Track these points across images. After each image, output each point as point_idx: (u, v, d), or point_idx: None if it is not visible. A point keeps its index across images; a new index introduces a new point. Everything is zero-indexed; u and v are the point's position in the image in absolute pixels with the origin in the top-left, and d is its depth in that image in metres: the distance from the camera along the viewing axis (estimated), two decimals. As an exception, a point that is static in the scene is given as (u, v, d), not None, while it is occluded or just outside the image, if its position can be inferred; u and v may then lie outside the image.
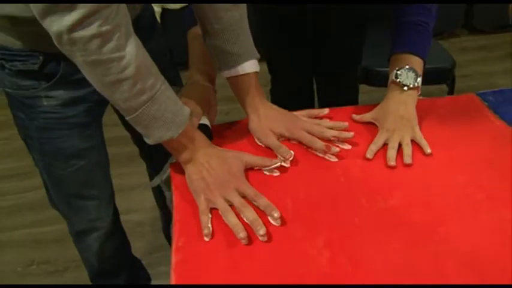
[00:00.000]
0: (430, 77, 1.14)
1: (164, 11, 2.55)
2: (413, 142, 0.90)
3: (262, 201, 0.78)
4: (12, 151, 2.32)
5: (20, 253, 1.79)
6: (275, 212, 0.76)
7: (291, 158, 0.89)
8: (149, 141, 0.82)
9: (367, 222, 0.75)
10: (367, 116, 0.97)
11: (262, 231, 0.73)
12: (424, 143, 0.88)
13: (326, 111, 0.99)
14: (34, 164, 1.08)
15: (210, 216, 0.78)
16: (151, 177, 1.44)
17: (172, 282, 0.69)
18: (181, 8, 2.56)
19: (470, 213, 0.76)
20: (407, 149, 0.87)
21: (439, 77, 1.75)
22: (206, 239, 0.75)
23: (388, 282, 0.65)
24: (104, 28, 0.69)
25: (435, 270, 0.67)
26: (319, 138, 0.92)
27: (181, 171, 0.88)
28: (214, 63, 0.97)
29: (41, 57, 0.88)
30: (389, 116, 0.93)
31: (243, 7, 0.94)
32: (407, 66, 0.94)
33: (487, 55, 2.59)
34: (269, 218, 0.77)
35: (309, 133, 0.93)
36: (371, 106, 1.00)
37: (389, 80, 0.97)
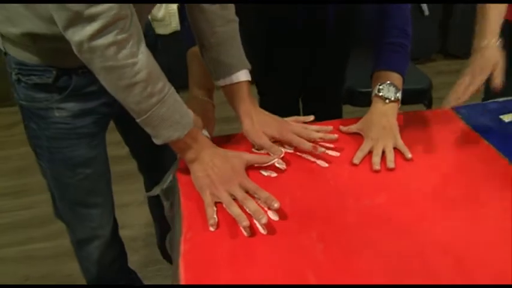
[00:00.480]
0: (409, 97, 1.24)
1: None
2: (396, 149, 0.99)
3: (263, 194, 0.86)
4: (7, 170, 2.36)
5: (15, 269, 1.81)
6: (275, 202, 0.84)
7: (282, 155, 0.98)
8: (158, 141, 0.90)
9: (356, 218, 0.84)
10: (353, 127, 1.07)
11: (264, 220, 0.81)
12: (405, 149, 0.98)
13: (311, 118, 1.09)
14: (41, 174, 1.14)
15: (215, 209, 0.86)
16: (147, 191, 1.50)
17: (181, 269, 0.76)
18: (171, 33, 2.67)
19: (447, 209, 0.85)
20: (390, 155, 0.97)
21: (417, 97, 1.87)
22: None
23: (377, 269, 0.74)
24: (119, 37, 0.77)
25: (419, 257, 0.75)
26: (307, 140, 1.01)
27: (186, 172, 0.95)
28: (211, 74, 1.06)
29: (54, 72, 0.96)
30: (373, 127, 1.03)
31: (235, 23, 1.04)
32: (388, 82, 1.05)
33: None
34: (269, 212, 0.85)
35: (298, 136, 1.02)
36: (356, 119, 1.10)
37: (373, 94, 1.07)
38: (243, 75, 1.03)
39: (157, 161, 1.29)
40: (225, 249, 0.79)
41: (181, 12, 2.72)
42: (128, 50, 0.79)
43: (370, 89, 1.11)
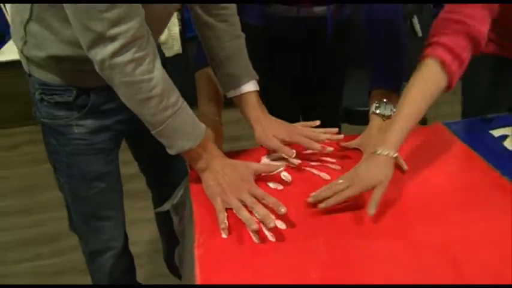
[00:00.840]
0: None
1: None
2: None
3: (271, 200, 0.92)
4: (12, 189, 2.42)
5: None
6: (282, 207, 0.90)
7: (293, 156, 1.05)
8: (172, 151, 0.96)
9: (357, 224, 0.91)
10: (353, 143, 1.14)
11: (272, 223, 0.87)
12: (401, 162, 1.05)
13: (317, 122, 1.15)
14: (58, 187, 1.21)
15: (226, 214, 0.92)
16: (156, 206, 1.56)
17: (197, 271, 0.82)
18: (174, 56, 2.75)
19: (441, 215, 0.92)
20: None
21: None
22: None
23: (376, 268, 0.80)
24: (137, 55, 0.85)
25: (414, 255, 0.83)
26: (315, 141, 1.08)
27: (198, 183, 1.02)
28: (222, 87, 1.14)
29: (74, 91, 1.04)
30: (372, 142, 1.10)
31: (241, 38, 1.13)
32: (384, 100, 1.12)
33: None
34: (276, 221, 0.91)
35: (307, 138, 1.08)
36: (355, 136, 1.17)
37: (370, 112, 1.15)
38: (251, 86, 1.11)
39: (167, 177, 1.36)
40: (236, 254, 0.85)
41: (183, 35, 2.82)
42: (144, 67, 0.86)
43: (366, 108, 1.19)
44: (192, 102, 1.20)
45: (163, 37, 2.67)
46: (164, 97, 0.89)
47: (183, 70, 2.71)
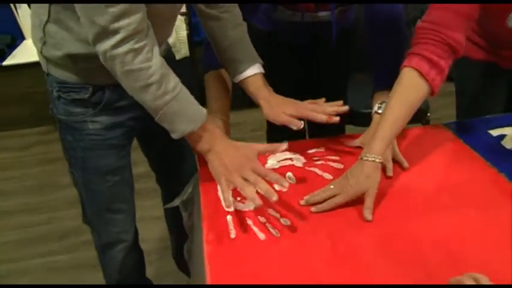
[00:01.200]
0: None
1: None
2: (394, 159, 1.11)
3: (273, 176, 0.96)
4: (24, 188, 2.48)
5: (34, 280, 1.91)
6: (284, 182, 0.94)
7: (301, 126, 1.08)
8: (175, 135, 1.00)
9: (359, 218, 0.95)
10: (356, 142, 1.18)
11: (275, 197, 0.90)
12: (402, 159, 1.09)
13: (323, 100, 1.17)
14: (73, 182, 1.26)
15: (230, 192, 0.95)
16: (165, 203, 1.60)
17: (206, 266, 0.86)
18: (181, 59, 2.80)
19: (438, 211, 0.96)
20: (389, 165, 1.08)
21: (415, 117, 1.97)
22: (229, 209, 0.96)
23: (378, 261, 0.84)
24: (136, 45, 0.90)
25: (413, 248, 0.87)
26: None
27: (207, 182, 1.07)
28: (229, 74, 1.19)
29: (90, 89, 1.09)
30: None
31: (243, 26, 1.19)
32: (386, 101, 1.16)
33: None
34: (281, 219, 0.96)
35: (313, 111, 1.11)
36: (358, 135, 1.21)
37: (373, 112, 1.19)
38: (256, 69, 1.16)
39: (176, 174, 1.41)
40: (243, 249, 0.90)
41: (190, 39, 2.87)
42: (143, 56, 0.91)
43: (369, 110, 1.23)
44: (201, 103, 1.25)
45: (171, 40, 2.72)
46: (162, 83, 0.94)
47: (190, 73, 2.78)
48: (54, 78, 1.10)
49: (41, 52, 1.08)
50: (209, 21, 1.17)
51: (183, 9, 2.83)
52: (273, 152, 1.07)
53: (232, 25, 1.16)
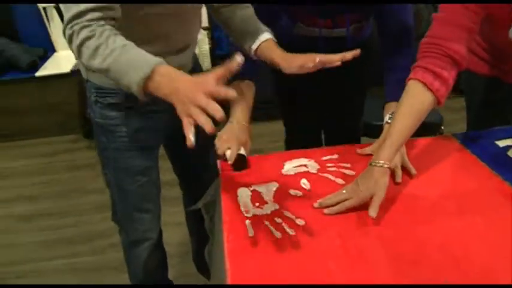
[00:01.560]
0: (421, 130, 1.41)
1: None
2: (403, 167, 1.17)
3: (222, 91, 0.86)
4: (51, 193, 2.60)
5: (61, 280, 2.01)
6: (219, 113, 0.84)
7: (317, 60, 1.10)
8: (133, 88, 0.91)
9: (367, 220, 1.02)
10: (367, 149, 1.26)
11: (219, 115, 0.82)
12: (410, 166, 1.16)
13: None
14: (105, 182, 1.35)
15: (192, 128, 0.86)
16: (186, 207, 1.69)
17: (227, 263, 0.94)
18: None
19: (444, 216, 1.02)
20: (398, 171, 1.15)
21: (429, 130, 2.04)
22: (247, 215, 1.04)
23: (384, 260, 0.91)
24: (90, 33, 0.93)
25: (419, 250, 0.93)
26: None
27: (229, 183, 1.14)
28: (246, 49, 1.23)
29: (124, 94, 1.17)
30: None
31: (250, 7, 1.28)
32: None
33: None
34: (297, 220, 1.04)
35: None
36: (370, 143, 1.28)
37: (384, 122, 1.26)
38: (268, 35, 1.22)
39: (198, 178, 1.49)
40: (261, 247, 0.97)
41: (213, 53, 2.97)
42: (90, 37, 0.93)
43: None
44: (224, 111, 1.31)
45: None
46: (109, 43, 0.93)
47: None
48: (92, 84, 1.20)
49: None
50: (220, 11, 1.27)
51: (205, 23, 2.95)
52: (228, 70, 0.90)
53: (239, 8, 1.26)
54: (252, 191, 1.15)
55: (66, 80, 3.01)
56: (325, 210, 1.06)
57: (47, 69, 3.13)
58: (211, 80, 0.87)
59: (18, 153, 3.04)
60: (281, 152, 1.27)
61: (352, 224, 1.02)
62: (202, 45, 2.87)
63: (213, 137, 1.20)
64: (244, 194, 1.15)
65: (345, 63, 1.58)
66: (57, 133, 3.13)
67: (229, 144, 1.22)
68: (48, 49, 3.29)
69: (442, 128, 2.07)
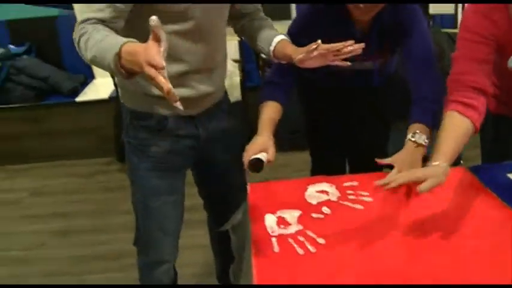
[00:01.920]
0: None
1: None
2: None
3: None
4: (86, 211, 2.75)
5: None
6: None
7: (319, 41, 1.18)
8: (112, 68, 1.00)
9: (384, 241, 1.12)
10: (387, 160, 1.36)
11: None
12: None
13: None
14: (132, 201, 1.44)
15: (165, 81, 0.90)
16: (211, 228, 1.76)
17: (254, 276, 1.04)
18: (234, 103, 3.02)
19: (455, 242, 1.11)
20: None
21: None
22: (273, 234, 1.17)
23: (398, 279, 1.00)
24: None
25: (431, 271, 1.02)
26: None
27: (257, 207, 1.25)
28: (263, 52, 1.39)
29: (155, 117, 1.31)
30: (404, 160, 1.32)
31: (267, 19, 1.43)
32: (418, 131, 1.34)
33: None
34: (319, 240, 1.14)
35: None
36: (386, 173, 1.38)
37: (407, 139, 1.36)
38: (281, 36, 1.36)
39: (224, 201, 1.58)
40: (284, 260, 1.08)
41: (243, 85, 3.10)
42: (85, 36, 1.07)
43: None
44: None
45: (226, 83, 2.96)
46: (94, 36, 1.06)
47: (241, 116, 3.01)
48: (127, 107, 1.33)
49: (117, 84, 1.32)
50: (241, 24, 1.42)
51: (237, 56, 3.11)
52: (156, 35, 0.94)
53: (257, 19, 1.42)
54: (277, 217, 1.25)
55: (103, 106, 3.20)
56: (385, 187, 1.15)
57: (87, 94, 3.35)
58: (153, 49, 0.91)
59: (57, 173, 3.22)
60: (305, 178, 1.37)
61: (370, 245, 1.11)
62: (234, 76, 3.00)
63: (237, 162, 1.30)
64: (270, 218, 1.25)
65: (371, 97, 1.69)
66: (94, 155, 3.30)
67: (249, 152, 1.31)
68: (88, 76, 3.51)
69: (462, 162, 2.14)
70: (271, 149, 1.31)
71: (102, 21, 1.10)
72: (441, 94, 1.39)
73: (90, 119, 3.29)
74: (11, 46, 3.46)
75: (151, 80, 0.91)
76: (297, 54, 1.25)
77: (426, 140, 1.35)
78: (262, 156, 1.30)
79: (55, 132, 3.32)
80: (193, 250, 2.25)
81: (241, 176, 1.49)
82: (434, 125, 1.38)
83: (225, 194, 1.58)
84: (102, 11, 1.09)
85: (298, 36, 1.40)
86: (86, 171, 3.18)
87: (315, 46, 1.19)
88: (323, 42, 1.20)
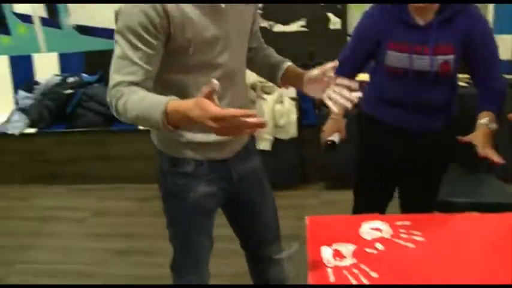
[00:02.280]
0: (493, 209, 1.56)
1: (275, 140, 3.12)
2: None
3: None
4: (145, 233, 2.89)
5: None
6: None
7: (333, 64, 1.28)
8: (160, 125, 1.08)
9: (433, 272, 1.19)
10: (469, 136, 1.61)
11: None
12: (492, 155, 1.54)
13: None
14: (169, 237, 1.54)
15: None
16: (250, 264, 1.74)
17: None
18: (290, 139, 3.13)
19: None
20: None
21: (504, 210, 2.09)
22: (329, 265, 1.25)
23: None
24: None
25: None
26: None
27: (314, 239, 1.35)
28: (272, 79, 1.48)
29: (193, 163, 1.37)
30: (479, 138, 1.58)
31: (270, 48, 1.54)
32: (488, 118, 1.61)
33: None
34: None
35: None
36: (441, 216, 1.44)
37: (479, 122, 1.64)
38: (288, 63, 1.46)
39: (259, 238, 1.63)
40: None
41: (300, 122, 3.18)
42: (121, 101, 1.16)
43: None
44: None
45: (282, 121, 3.09)
46: (132, 98, 1.14)
47: (296, 152, 3.11)
48: (166, 155, 1.39)
49: (153, 132, 1.42)
50: (249, 57, 1.46)
51: (293, 94, 3.22)
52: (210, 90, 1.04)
53: (261, 49, 1.52)
54: (333, 250, 1.34)
55: (164, 134, 3.34)
56: None
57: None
58: (211, 106, 1.01)
59: (117, 195, 3.42)
60: (360, 214, 1.46)
61: (420, 281, 1.19)
62: (291, 114, 3.12)
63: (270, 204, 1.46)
64: (327, 251, 1.34)
65: (435, 142, 1.77)
66: (151, 181, 3.39)
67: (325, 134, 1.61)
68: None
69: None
70: (342, 131, 1.55)
71: (135, 84, 1.18)
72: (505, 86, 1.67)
73: (149, 147, 3.43)
74: (84, 75, 3.77)
75: (214, 131, 1.02)
76: (310, 73, 1.33)
77: (495, 126, 1.64)
78: (336, 138, 1.42)
79: (117, 156, 3.53)
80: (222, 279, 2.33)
81: (271, 211, 1.59)
82: (499, 112, 1.67)
83: (259, 232, 1.62)
84: (134, 74, 1.18)
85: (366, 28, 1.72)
86: (143, 195, 3.34)
87: (331, 66, 1.26)
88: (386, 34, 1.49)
